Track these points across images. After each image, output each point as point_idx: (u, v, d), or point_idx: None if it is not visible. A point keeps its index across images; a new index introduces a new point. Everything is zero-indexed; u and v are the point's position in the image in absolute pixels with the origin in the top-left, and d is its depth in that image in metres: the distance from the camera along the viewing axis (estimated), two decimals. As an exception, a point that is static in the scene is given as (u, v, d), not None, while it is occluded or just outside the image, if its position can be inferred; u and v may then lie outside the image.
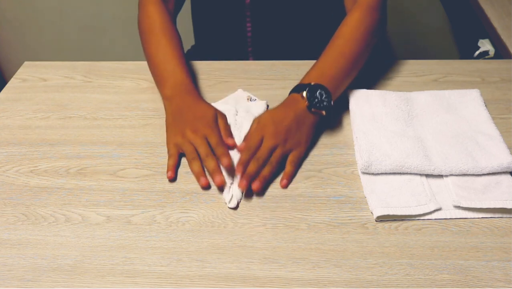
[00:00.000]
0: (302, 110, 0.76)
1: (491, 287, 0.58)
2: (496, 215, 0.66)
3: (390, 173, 0.71)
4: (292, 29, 1.03)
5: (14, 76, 0.96)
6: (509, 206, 0.65)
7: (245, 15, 1.01)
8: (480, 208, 0.66)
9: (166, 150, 0.77)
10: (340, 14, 0.93)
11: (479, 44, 1.29)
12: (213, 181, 0.70)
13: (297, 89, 0.78)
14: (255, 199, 0.70)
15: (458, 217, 0.66)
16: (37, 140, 0.81)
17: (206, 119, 0.76)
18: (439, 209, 0.66)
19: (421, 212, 0.66)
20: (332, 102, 0.77)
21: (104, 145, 0.79)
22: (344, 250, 0.63)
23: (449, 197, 0.68)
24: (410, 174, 0.71)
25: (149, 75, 0.93)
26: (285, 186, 0.71)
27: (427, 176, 0.71)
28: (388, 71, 0.93)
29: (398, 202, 0.67)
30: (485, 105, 0.81)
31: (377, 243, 0.63)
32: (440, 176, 0.71)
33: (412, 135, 0.75)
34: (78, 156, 0.77)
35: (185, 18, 1.14)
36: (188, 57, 0.89)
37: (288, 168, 0.72)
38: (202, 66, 0.96)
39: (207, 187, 0.71)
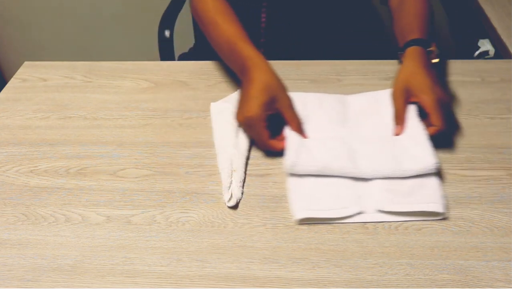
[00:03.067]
0: (431, 64, 0.81)
1: (491, 287, 0.58)
2: (419, 219, 0.66)
3: (317, 175, 0.70)
4: (306, 23, 1.03)
5: (14, 76, 0.96)
6: (429, 209, 0.65)
7: (261, 5, 1.00)
8: (401, 212, 0.66)
9: (166, 149, 0.77)
10: (354, 10, 0.93)
11: (479, 44, 1.29)
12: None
13: (420, 42, 0.82)
14: (255, 199, 0.70)
15: (380, 220, 0.66)
16: (37, 140, 0.81)
17: (251, 119, 0.74)
18: (362, 212, 0.66)
19: (343, 215, 0.66)
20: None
21: (104, 144, 0.79)
22: (344, 250, 0.63)
23: (373, 200, 0.68)
24: (337, 176, 0.70)
25: (149, 75, 0.93)
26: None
27: (355, 179, 0.70)
28: (388, 71, 0.93)
29: (321, 205, 0.67)
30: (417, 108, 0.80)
31: (377, 243, 0.63)
32: (368, 179, 0.70)
33: (342, 138, 0.75)
34: (78, 156, 0.77)
35: (185, 18, 1.14)
36: (188, 57, 0.88)
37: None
38: (202, 66, 0.96)
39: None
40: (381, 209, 0.66)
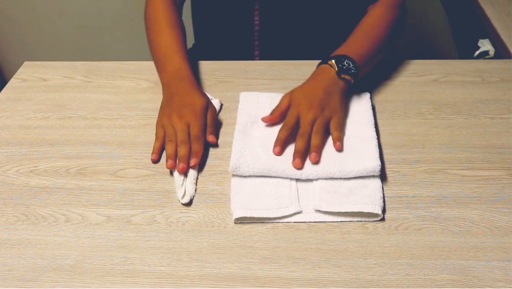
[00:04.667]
0: (332, 78, 0.79)
1: (491, 287, 0.58)
2: (357, 219, 0.66)
3: (259, 176, 0.70)
4: (300, 24, 1.03)
5: (14, 76, 0.96)
6: (366, 210, 0.65)
7: (254, 8, 1.00)
8: (340, 212, 0.66)
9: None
10: (348, 11, 0.93)
11: (479, 44, 1.29)
12: (177, 166, 0.72)
13: (325, 61, 0.82)
14: (255, 199, 0.70)
15: (318, 220, 0.66)
16: (37, 140, 0.81)
17: (194, 107, 0.78)
18: (299, 212, 0.66)
19: (280, 215, 0.66)
20: (358, 71, 0.81)
21: (104, 144, 0.79)
22: (344, 250, 0.63)
23: (313, 200, 0.68)
24: (280, 177, 0.70)
25: (149, 75, 0.93)
26: (339, 148, 0.73)
27: (298, 179, 0.70)
28: (388, 71, 0.93)
29: (259, 204, 0.67)
30: (372, 108, 0.80)
31: (377, 243, 0.63)
32: (312, 179, 0.70)
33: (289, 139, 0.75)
34: (78, 156, 0.77)
35: (185, 17, 1.14)
36: (189, 56, 0.89)
37: (335, 133, 0.74)
38: (202, 66, 0.96)
39: (172, 171, 0.73)
40: (319, 209, 0.66)
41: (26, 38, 1.88)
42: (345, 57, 0.81)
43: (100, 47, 1.87)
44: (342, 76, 0.80)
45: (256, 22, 1.02)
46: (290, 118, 0.75)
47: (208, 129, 0.78)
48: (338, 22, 0.97)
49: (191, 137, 0.75)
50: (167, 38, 0.89)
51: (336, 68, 0.80)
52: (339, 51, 0.84)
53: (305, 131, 0.74)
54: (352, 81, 0.81)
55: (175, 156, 0.73)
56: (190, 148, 0.74)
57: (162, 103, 0.82)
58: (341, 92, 0.79)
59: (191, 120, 0.76)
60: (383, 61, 0.94)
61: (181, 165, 0.71)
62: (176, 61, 0.86)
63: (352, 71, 0.80)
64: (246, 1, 1.00)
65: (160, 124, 0.78)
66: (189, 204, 0.69)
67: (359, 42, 0.87)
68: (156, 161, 0.75)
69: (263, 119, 0.78)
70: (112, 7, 1.75)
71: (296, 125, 0.75)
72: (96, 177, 0.74)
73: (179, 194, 0.69)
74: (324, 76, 0.80)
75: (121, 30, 1.80)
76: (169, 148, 0.74)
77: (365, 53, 0.85)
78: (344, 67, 0.80)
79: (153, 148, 0.76)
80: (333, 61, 0.81)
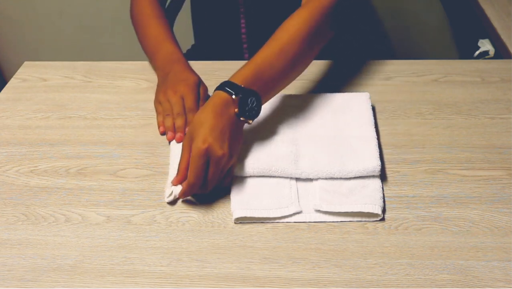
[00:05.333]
0: (232, 116, 0.69)
1: (491, 287, 0.58)
2: (357, 219, 0.66)
3: (260, 176, 0.70)
4: None
5: (14, 76, 0.96)
6: (366, 210, 0.65)
7: (239, 11, 1.01)
8: (340, 212, 0.66)
9: (166, 149, 0.77)
10: None
11: (479, 44, 1.29)
12: (175, 136, 0.77)
13: (229, 86, 0.70)
14: (255, 199, 0.70)
15: (318, 220, 0.66)
16: (37, 140, 0.81)
17: (187, 82, 0.82)
18: (299, 212, 0.67)
19: (280, 215, 0.66)
20: (260, 110, 0.72)
21: (104, 144, 0.79)
22: (344, 250, 0.63)
23: (313, 200, 0.68)
24: (280, 177, 0.70)
25: (149, 75, 0.93)
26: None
27: (298, 179, 0.70)
28: (388, 71, 0.93)
29: (259, 204, 0.67)
30: (372, 109, 0.80)
31: (377, 243, 0.63)
32: (312, 179, 0.70)
33: (289, 139, 0.74)
34: (78, 156, 0.77)
35: (185, 18, 1.14)
36: (188, 57, 0.89)
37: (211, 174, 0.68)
38: (202, 66, 0.96)
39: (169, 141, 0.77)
40: (319, 209, 0.66)
41: (26, 38, 1.87)
42: (252, 93, 0.70)
43: (100, 47, 1.87)
44: (242, 118, 0.70)
45: (243, 25, 1.02)
46: (183, 161, 0.68)
47: (201, 103, 0.80)
48: None
49: (186, 109, 0.79)
50: (155, 29, 0.93)
51: (237, 110, 0.69)
52: (248, 75, 0.72)
53: (196, 179, 0.66)
54: (251, 122, 0.71)
55: (173, 128, 0.78)
56: (186, 119, 0.78)
57: (157, 83, 0.86)
58: (239, 131, 0.71)
59: (185, 94, 0.80)
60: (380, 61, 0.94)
61: (178, 135, 0.76)
62: (167, 47, 0.89)
63: (254, 111, 0.71)
64: (231, 6, 1.00)
65: (157, 101, 0.83)
66: (189, 203, 0.69)
67: (272, 58, 0.74)
68: (164, 133, 0.79)
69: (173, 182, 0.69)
70: (112, 7, 1.75)
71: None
72: (96, 177, 0.74)
73: (167, 192, 0.69)
74: (225, 113, 0.68)
75: (121, 30, 1.80)
76: (168, 121, 0.79)
77: (278, 74, 0.74)
78: (247, 107, 0.70)
79: (158, 122, 0.81)
80: (236, 98, 0.69)
